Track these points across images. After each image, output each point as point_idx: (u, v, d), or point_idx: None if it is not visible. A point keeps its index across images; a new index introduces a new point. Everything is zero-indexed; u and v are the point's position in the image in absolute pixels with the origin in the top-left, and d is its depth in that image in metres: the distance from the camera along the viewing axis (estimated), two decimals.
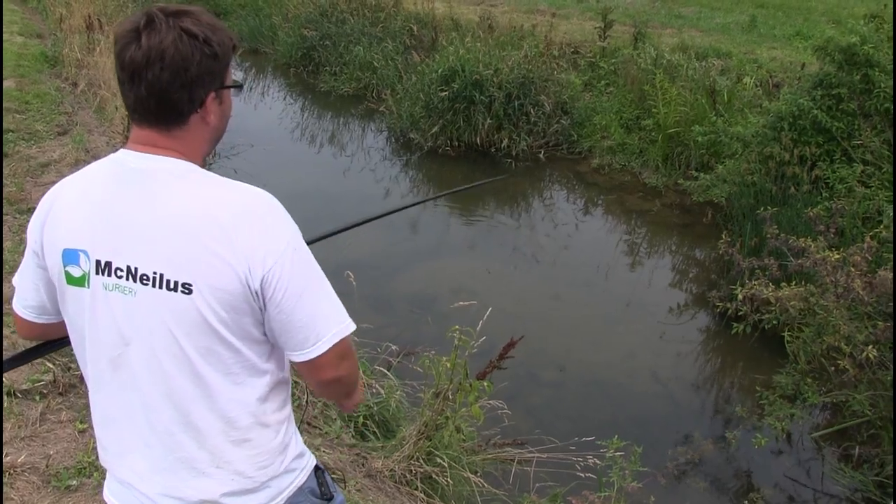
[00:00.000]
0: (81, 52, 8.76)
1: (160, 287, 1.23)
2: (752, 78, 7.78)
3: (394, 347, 3.97)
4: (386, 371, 3.77)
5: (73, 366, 3.15)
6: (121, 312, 1.26)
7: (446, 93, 8.07)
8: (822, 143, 5.53)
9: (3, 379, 2.91)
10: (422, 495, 3.04)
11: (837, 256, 3.81)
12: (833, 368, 3.86)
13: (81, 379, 1.47)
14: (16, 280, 1.41)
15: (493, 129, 8.19)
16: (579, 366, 4.84)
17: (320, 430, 3.28)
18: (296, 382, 2.66)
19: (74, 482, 2.60)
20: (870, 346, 3.52)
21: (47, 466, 2.65)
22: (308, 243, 1.31)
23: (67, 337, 1.39)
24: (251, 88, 11.00)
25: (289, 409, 1.43)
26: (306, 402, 3.26)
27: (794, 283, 4.00)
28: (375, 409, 3.51)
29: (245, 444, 1.33)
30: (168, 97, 1.21)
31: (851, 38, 5.42)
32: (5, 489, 2.51)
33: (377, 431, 3.44)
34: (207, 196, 1.24)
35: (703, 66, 8.08)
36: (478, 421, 3.09)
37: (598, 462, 3.27)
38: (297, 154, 8.61)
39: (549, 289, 5.79)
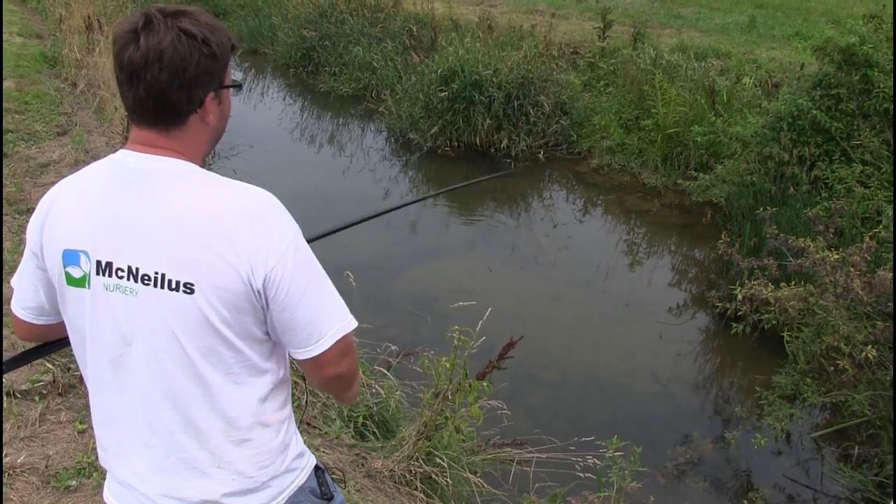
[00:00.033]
0: (81, 52, 8.76)
1: (162, 287, 1.23)
2: (751, 78, 7.79)
3: (393, 348, 3.97)
4: (385, 371, 3.78)
5: (72, 366, 3.15)
6: (122, 313, 1.26)
7: (446, 93, 8.07)
8: (821, 143, 5.53)
9: (3, 379, 2.91)
10: (421, 495, 3.04)
11: (837, 256, 3.82)
12: (832, 368, 3.86)
13: (81, 379, 1.48)
14: (14, 281, 1.41)
15: (493, 130, 8.19)
16: (579, 366, 4.84)
17: (320, 430, 3.28)
18: (295, 383, 2.66)
19: (74, 483, 2.60)
20: (869, 346, 3.53)
21: (47, 467, 2.65)
22: (308, 242, 1.32)
23: (67, 338, 1.39)
24: (251, 89, 11.00)
25: (289, 408, 1.43)
26: (306, 402, 3.26)
27: (793, 283, 4.00)
28: (375, 409, 3.51)
29: (246, 444, 1.34)
30: (167, 98, 1.21)
31: (850, 39, 5.43)
32: (4, 490, 2.51)
33: (377, 432, 3.44)
34: (208, 196, 1.24)
35: (703, 67, 8.08)
36: (477, 421, 3.09)
37: (597, 462, 3.27)
38: (297, 154, 8.61)
39: (548, 289, 5.79)
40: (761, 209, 4.80)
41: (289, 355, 1.41)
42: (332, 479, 1.57)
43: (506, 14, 10.91)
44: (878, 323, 3.70)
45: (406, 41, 10.05)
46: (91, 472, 2.65)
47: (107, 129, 7.04)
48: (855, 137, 5.39)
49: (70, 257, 1.27)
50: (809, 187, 5.44)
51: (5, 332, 3.10)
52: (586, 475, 3.25)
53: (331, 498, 1.49)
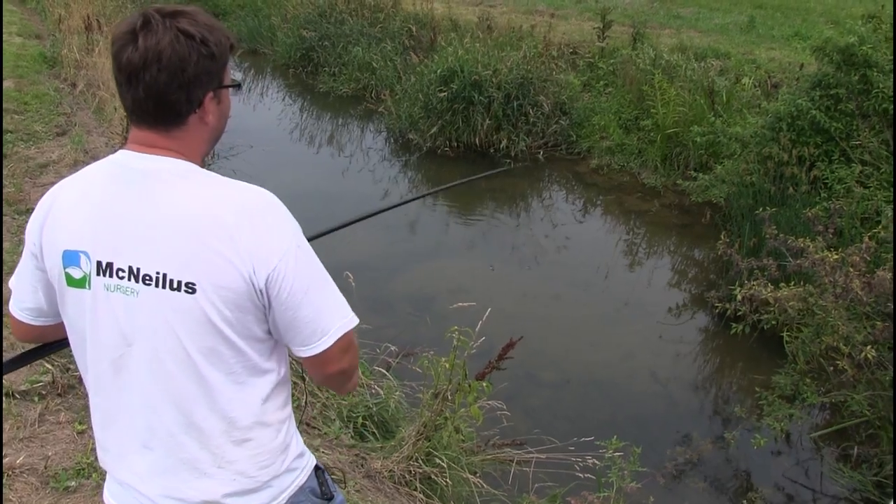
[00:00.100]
0: (80, 52, 8.76)
1: (163, 287, 1.23)
2: (750, 78, 7.79)
3: (393, 348, 3.97)
4: (385, 372, 3.78)
5: (71, 367, 3.15)
6: (122, 313, 1.26)
7: (445, 93, 8.07)
8: (820, 143, 5.53)
9: (3, 380, 2.91)
10: (421, 496, 3.04)
11: (836, 257, 3.82)
12: (832, 368, 3.86)
13: (80, 380, 1.48)
14: (12, 282, 1.41)
15: (492, 130, 8.19)
16: (578, 366, 4.84)
17: (319, 430, 3.28)
18: (295, 383, 2.66)
19: (73, 483, 2.60)
20: (868, 347, 3.53)
21: (46, 467, 2.65)
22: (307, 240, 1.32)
23: (66, 339, 1.39)
24: (250, 89, 11.00)
25: (289, 408, 1.43)
26: (305, 402, 3.26)
27: (792, 283, 4.00)
28: (374, 409, 3.50)
29: (246, 444, 1.34)
30: (166, 98, 1.21)
31: (849, 39, 5.43)
32: (4, 491, 2.51)
33: (376, 432, 3.44)
34: (209, 195, 1.24)
35: (702, 67, 8.09)
36: (477, 421, 3.09)
37: (597, 462, 3.27)
38: (296, 155, 8.61)
39: (548, 289, 5.79)
40: (761, 209, 4.80)
41: (288, 354, 1.41)
42: (332, 479, 1.57)
43: (505, 14, 10.91)
44: (878, 323, 3.70)
45: (405, 41, 10.05)
46: (90, 473, 2.65)
47: (106, 130, 7.04)
48: (854, 138, 5.39)
49: (70, 258, 1.26)
50: (809, 187, 5.44)
51: (5, 332, 3.10)
52: (586, 475, 3.25)
53: (331, 498, 1.49)
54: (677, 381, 4.74)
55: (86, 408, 2.90)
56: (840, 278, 3.73)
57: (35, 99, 7.36)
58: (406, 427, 3.32)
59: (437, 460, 3.07)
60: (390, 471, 3.08)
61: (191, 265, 1.21)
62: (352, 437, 3.34)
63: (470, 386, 2.95)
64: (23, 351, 1.57)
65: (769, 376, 4.34)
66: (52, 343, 1.50)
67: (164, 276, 1.22)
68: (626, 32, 9.36)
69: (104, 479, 1.46)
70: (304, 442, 1.50)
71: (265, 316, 1.28)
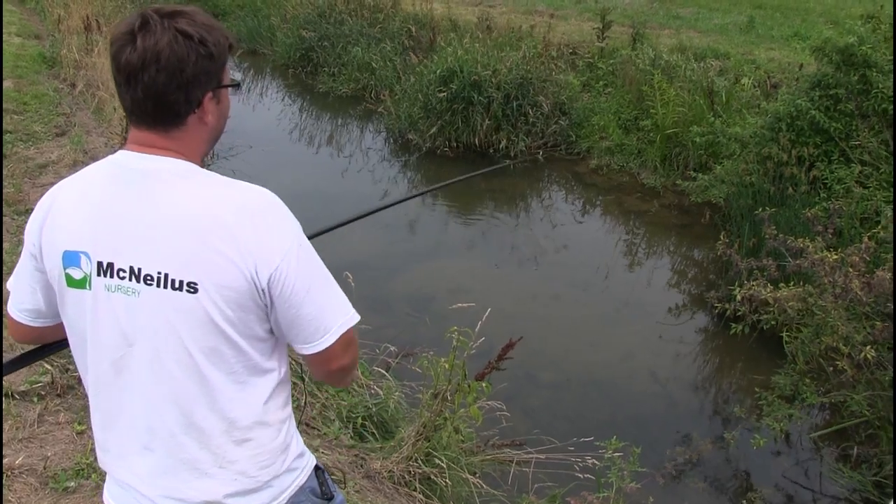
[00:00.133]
0: (79, 52, 8.76)
1: (165, 287, 1.23)
2: (750, 78, 7.79)
3: (392, 348, 3.97)
4: (384, 372, 3.78)
5: (70, 367, 3.15)
6: (123, 313, 1.26)
7: (445, 94, 8.07)
8: (819, 143, 5.53)
9: (2, 381, 2.91)
10: (420, 496, 3.04)
11: (835, 257, 3.82)
12: (831, 369, 3.86)
13: (79, 380, 1.48)
14: (10, 283, 1.40)
15: (492, 130, 8.19)
16: (578, 366, 4.84)
17: (319, 431, 3.28)
18: (294, 384, 2.66)
19: (72, 484, 2.60)
20: (868, 347, 3.53)
21: (45, 468, 2.65)
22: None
23: (65, 339, 1.39)
24: (249, 89, 11.00)
25: (289, 408, 1.43)
26: (304, 403, 3.26)
27: (792, 283, 4.00)
28: (374, 409, 3.50)
29: (247, 444, 1.34)
30: (165, 99, 1.21)
31: (849, 39, 5.43)
32: (3, 491, 2.51)
33: (376, 432, 3.44)
34: (210, 195, 1.24)
35: (702, 67, 8.09)
36: (476, 422, 3.09)
37: (596, 463, 3.27)
38: (296, 155, 8.61)
39: (547, 289, 5.79)
40: (760, 209, 4.80)
41: (288, 354, 1.41)
42: (332, 479, 1.57)
43: (504, 14, 10.91)
44: (877, 323, 3.70)
45: (405, 42, 10.05)
46: (90, 474, 2.65)
47: (105, 130, 7.04)
48: (854, 138, 5.39)
49: (70, 259, 1.26)
50: (808, 188, 5.44)
51: (4, 333, 3.10)
52: (585, 476, 3.25)
53: (331, 498, 1.50)
54: (677, 382, 4.74)
55: (85, 408, 2.90)
56: (839, 278, 3.74)
57: (34, 99, 7.36)
58: (405, 427, 3.32)
59: (437, 461, 3.07)
60: (390, 471, 3.08)
61: (192, 265, 1.21)
62: (351, 437, 3.34)
63: (469, 386, 2.95)
64: (22, 352, 1.56)
65: (769, 376, 4.34)
66: (51, 344, 1.50)
67: (166, 275, 1.22)
68: (626, 33, 9.36)
69: (103, 480, 1.45)
70: (304, 442, 1.50)
71: (266, 315, 1.29)
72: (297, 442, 1.46)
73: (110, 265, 1.24)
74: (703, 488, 3.88)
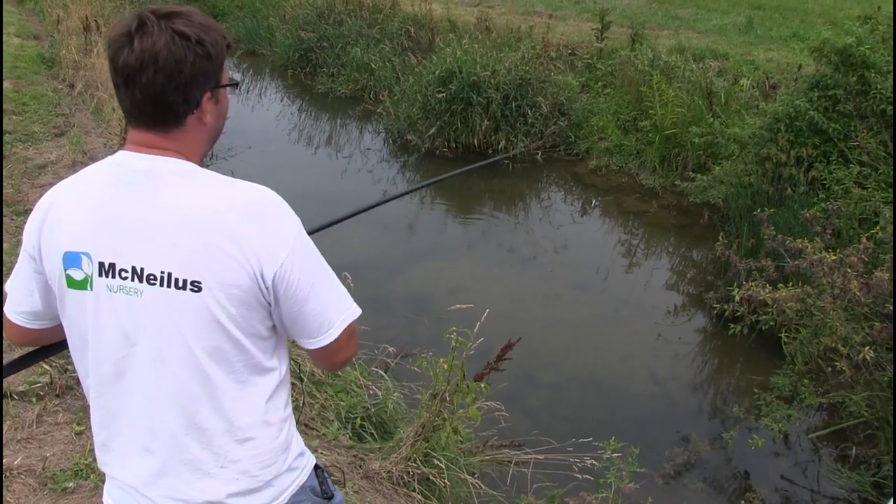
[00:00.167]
0: (78, 53, 8.76)
1: (168, 286, 1.23)
2: (748, 79, 7.80)
3: (391, 349, 3.97)
4: (383, 373, 3.78)
5: (69, 368, 3.14)
6: (126, 314, 1.26)
7: (443, 94, 8.07)
8: (818, 144, 5.54)
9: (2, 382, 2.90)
10: (419, 497, 3.04)
11: (834, 257, 3.82)
12: (830, 369, 3.86)
13: (79, 381, 1.48)
14: (8, 285, 1.39)
15: (491, 131, 8.20)
16: (577, 367, 4.84)
17: (317, 431, 3.28)
18: (293, 384, 2.66)
19: (71, 484, 2.60)
20: (866, 348, 3.53)
21: (44, 469, 2.65)
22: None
23: (65, 341, 1.38)
24: (248, 90, 11.00)
25: (290, 408, 1.44)
26: (303, 403, 3.26)
27: (790, 284, 4.00)
28: (373, 410, 3.50)
29: (249, 443, 1.34)
30: (163, 100, 1.21)
31: (847, 40, 5.44)
32: (2, 492, 2.50)
33: (374, 433, 3.44)
34: (212, 194, 1.25)
35: (700, 68, 8.09)
36: (475, 422, 3.09)
37: (595, 463, 3.27)
38: (295, 155, 8.61)
39: (546, 290, 5.79)
40: (759, 210, 4.80)
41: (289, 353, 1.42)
42: (332, 479, 1.57)
43: (503, 15, 10.91)
44: (876, 324, 3.70)
45: (404, 42, 10.06)
46: (88, 474, 2.65)
47: (104, 131, 7.03)
48: (852, 138, 5.39)
49: (71, 260, 1.26)
50: (807, 188, 5.45)
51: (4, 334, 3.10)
52: (584, 476, 3.25)
53: (331, 497, 1.51)
54: (676, 382, 4.74)
55: (84, 409, 2.90)
56: (838, 279, 3.74)
57: (33, 100, 7.36)
58: (404, 428, 3.32)
59: (436, 461, 3.07)
60: (388, 472, 3.08)
61: (196, 264, 1.22)
62: (350, 437, 3.34)
63: (468, 387, 2.95)
64: (21, 354, 1.56)
65: (767, 377, 4.35)
66: (51, 346, 1.50)
67: (169, 275, 1.22)
68: (625, 33, 9.37)
69: (102, 481, 1.45)
70: (303, 443, 1.51)
71: (269, 313, 1.30)
72: (298, 441, 1.46)
73: (112, 265, 1.24)
74: (702, 489, 3.88)
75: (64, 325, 1.35)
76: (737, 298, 4.03)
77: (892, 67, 5.32)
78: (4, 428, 2.82)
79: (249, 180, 1.30)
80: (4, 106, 6.79)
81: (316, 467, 1.50)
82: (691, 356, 4.99)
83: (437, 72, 8.27)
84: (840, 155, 5.44)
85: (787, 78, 7.59)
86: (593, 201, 7.40)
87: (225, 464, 1.33)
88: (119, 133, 6.73)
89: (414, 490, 3.05)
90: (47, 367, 3.12)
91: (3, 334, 1.45)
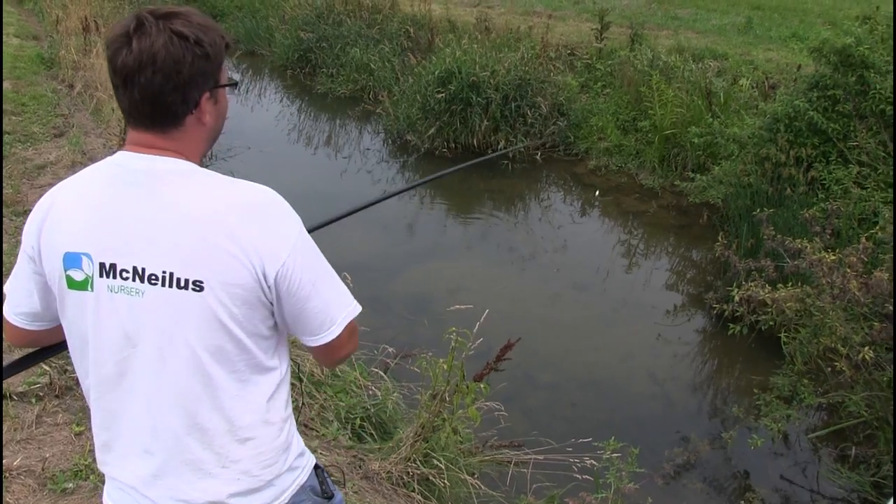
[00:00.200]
0: (78, 53, 8.76)
1: (170, 286, 1.23)
2: (748, 79, 7.81)
3: (391, 349, 3.97)
4: (383, 374, 3.78)
5: (69, 368, 3.14)
6: (127, 314, 1.26)
7: (443, 94, 8.08)
8: (817, 144, 5.54)
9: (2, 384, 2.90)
10: (419, 497, 3.03)
11: (833, 258, 3.82)
12: (829, 369, 3.86)
13: (78, 382, 1.48)
14: (7, 286, 1.39)
15: (490, 131, 8.20)
16: (576, 367, 4.84)
17: (317, 432, 3.28)
18: (293, 385, 2.66)
19: (71, 485, 2.60)
20: (866, 348, 3.53)
21: (43, 469, 2.65)
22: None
23: (64, 342, 1.38)
24: (248, 90, 11.00)
25: (290, 407, 1.44)
26: (302, 403, 3.26)
27: (790, 284, 4.00)
28: (372, 410, 3.50)
29: (250, 443, 1.34)
30: (162, 100, 1.21)
31: (847, 40, 5.44)
32: (2, 492, 2.50)
33: (374, 433, 3.44)
34: (212, 194, 1.25)
35: (700, 68, 8.10)
36: (475, 423, 3.09)
37: (594, 463, 3.27)
38: (294, 156, 8.60)
39: (546, 290, 5.79)
40: (758, 210, 4.81)
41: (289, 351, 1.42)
42: (332, 480, 1.58)
43: (503, 15, 10.92)
44: (875, 324, 3.70)
45: (403, 43, 10.06)
46: (88, 475, 2.65)
47: (104, 131, 7.03)
48: (851, 139, 5.40)
49: (71, 260, 1.26)
50: (806, 188, 5.45)
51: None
52: (584, 476, 3.25)
53: (331, 496, 1.51)
54: (675, 382, 4.74)
55: (83, 409, 2.90)
56: (837, 279, 3.74)
57: (33, 100, 7.36)
58: (404, 428, 3.32)
59: (435, 461, 3.07)
60: (388, 472, 3.08)
61: (198, 263, 1.22)
62: (350, 438, 3.33)
63: (468, 387, 2.95)
64: (21, 355, 1.56)
65: (767, 377, 4.35)
66: (51, 347, 1.50)
67: (171, 274, 1.22)
68: (624, 34, 9.37)
69: (102, 481, 1.45)
70: (303, 443, 1.51)
71: (271, 312, 1.30)
72: (298, 441, 1.47)
73: (113, 266, 1.24)
74: (702, 489, 3.88)
75: (63, 326, 1.34)
76: (736, 298, 4.03)
77: (891, 68, 5.33)
78: (4, 429, 2.81)
79: (249, 180, 1.30)
80: (4, 106, 6.79)
81: (316, 467, 1.50)
82: (691, 356, 4.99)
83: (436, 72, 8.27)
84: (839, 155, 5.44)
85: (787, 78, 7.60)
86: (595, 193, 7.39)
87: (226, 464, 1.33)
88: (118, 134, 6.72)
89: (413, 490, 3.05)
90: (47, 368, 3.12)
91: (3, 335, 1.44)
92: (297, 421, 1.49)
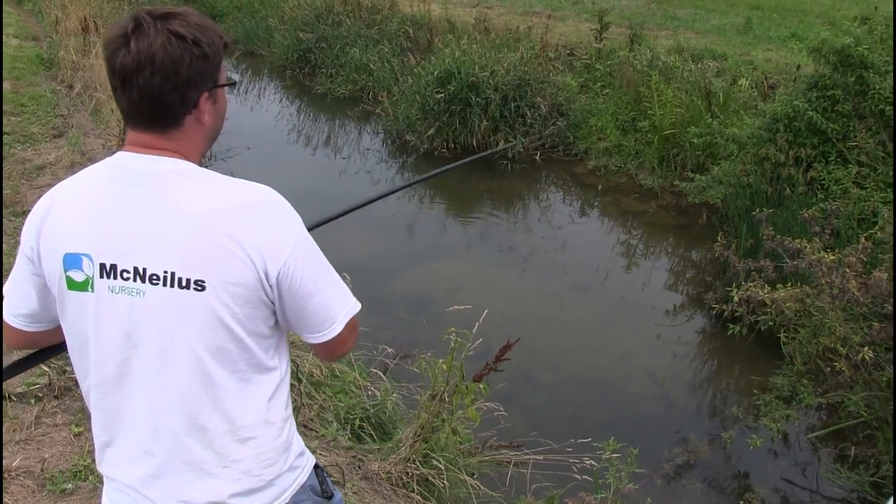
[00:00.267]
0: (77, 54, 8.76)
1: (171, 286, 1.23)
2: (747, 79, 7.81)
3: (390, 350, 3.96)
4: (382, 374, 3.77)
5: (68, 369, 3.14)
6: (128, 315, 1.25)
7: (442, 95, 8.08)
8: (817, 144, 5.54)
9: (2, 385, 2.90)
10: (418, 497, 3.03)
11: (833, 258, 3.82)
12: (829, 369, 3.86)
13: (77, 382, 1.48)
14: (5, 288, 1.39)
15: (490, 131, 8.20)
16: (576, 367, 4.84)
17: (316, 432, 3.28)
18: (292, 385, 2.66)
19: (70, 486, 2.60)
20: (865, 348, 3.53)
21: (42, 470, 2.64)
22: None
23: (63, 343, 1.38)
24: (247, 91, 11.00)
25: (290, 407, 1.44)
26: (301, 404, 3.26)
27: (789, 284, 4.00)
28: (372, 411, 3.50)
29: (251, 442, 1.34)
30: (160, 101, 1.21)
31: (846, 40, 5.44)
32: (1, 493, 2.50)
33: (373, 434, 3.44)
34: (213, 194, 1.25)
35: (699, 68, 8.10)
36: (474, 423, 3.09)
37: (594, 464, 3.27)
38: (293, 156, 8.60)
39: (545, 290, 5.79)
40: (758, 210, 4.80)
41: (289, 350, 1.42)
42: (332, 480, 1.58)
43: (502, 16, 10.92)
44: (875, 324, 3.70)
45: (403, 43, 10.06)
46: (87, 476, 2.64)
47: (103, 132, 7.03)
48: (851, 139, 5.40)
49: (71, 261, 1.26)
50: (806, 188, 5.45)
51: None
52: (583, 477, 3.25)
53: (331, 496, 1.51)
54: (675, 382, 4.74)
55: (82, 410, 2.89)
56: (837, 279, 3.74)
57: (32, 101, 7.36)
58: (403, 429, 3.32)
59: (435, 462, 3.07)
60: (388, 472, 3.08)
61: (199, 263, 1.22)
62: (349, 438, 3.33)
63: (467, 388, 2.94)
64: (21, 357, 1.56)
65: (766, 377, 4.35)
66: (51, 348, 1.49)
67: (172, 274, 1.22)
68: (623, 34, 9.37)
69: (101, 482, 1.45)
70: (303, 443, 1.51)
71: (272, 312, 1.31)
72: (298, 441, 1.47)
73: (114, 266, 1.24)
74: (701, 489, 3.88)
75: (63, 327, 1.34)
76: (736, 299, 4.03)
77: (890, 68, 5.33)
78: (3, 429, 2.81)
79: (249, 180, 1.31)
80: (3, 107, 6.79)
81: (315, 467, 1.51)
82: (690, 356, 4.99)
83: (435, 72, 8.27)
84: (839, 155, 5.45)
85: (786, 78, 7.60)
86: (596, 190, 7.39)
87: (227, 464, 1.33)
88: (118, 134, 6.72)
89: (413, 491, 3.04)
90: (46, 369, 3.12)
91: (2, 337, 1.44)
92: (296, 421, 1.49)
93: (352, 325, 1.39)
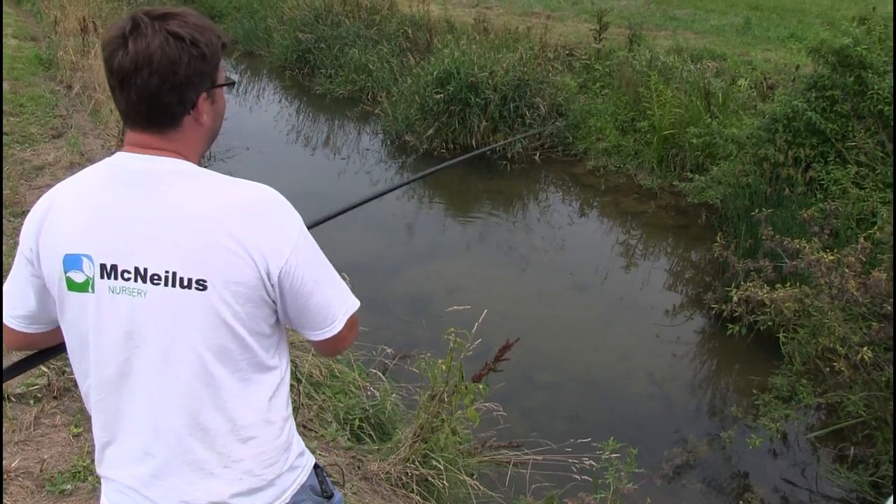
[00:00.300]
0: (76, 54, 8.75)
1: (173, 285, 1.23)
2: (746, 80, 7.81)
3: (389, 350, 3.97)
4: (381, 375, 3.77)
5: (67, 370, 3.14)
6: (129, 315, 1.25)
7: (441, 95, 8.08)
8: (816, 144, 5.54)
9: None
10: (418, 498, 3.03)
11: (832, 258, 3.82)
12: (828, 369, 3.86)
13: (76, 383, 1.47)
14: (4, 289, 1.38)
15: (489, 132, 8.19)
16: (575, 367, 4.84)
17: (316, 432, 3.27)
18: (291, 385, 2.65)
19: (69, 486, 2.59)
20: (864, 348, 3.53)
21: (41, 471, 2.64)
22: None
23: (62, 344, 1.38)
24: (246, 91, 10.99)
25: (290, 407, 1.44)
26: (301, 404, 3.26)
27: (788, 284, 4.00)
28: (371, 411, 3.50)
29: (252, 442, 1.34)
30: (159, 101, 1.21)
31: (844, 41, 5.44)
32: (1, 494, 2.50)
33: (373, 434, 3.44)
34: (213, 193, 1.25)
35: (698, 68, 8.10)
36: (473, 423, 3.09)
37: (593, 464, 3.27)
38: (293, 156, 8.60)
39: (544, 290, 5.79)
40: (757, 210, 4.81)
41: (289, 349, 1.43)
42: (331, 480, 1.58)
43: (501, 16, 10.93)
44: (874, 324, 3.71)
45: (402, 43, 10.06)
46: (86, 476, 2.64)
47: (102, 132, 7.03)
48: (850, 139, 5.40)
49: (71, 262, 1.25)
50: (805, 189, 5.45)
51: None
52: (583, 477, 3.25)
53: (331, 496, 1.51)
54: (674, 382, 4.74)
55: (81, 411, 2.89)
56: (836, 279, 3.74)
57: (31, 101, 7.35)
58: (403, 429, 3.32)
59: (434, 462, 3.07)
60: (387, 473, 3.08)
61: (200, 262, 1.22)
62: (348, 439, 3.33)
63: (467, 388, 2.94)
64: (21, 357, 1.55)
65: (766, 377, 4.35)
66: (51, 348, 1.49)
67: (174, 274, 1.22)
68: (623, 34, 9.37)
69: (100, 483, 1.44)
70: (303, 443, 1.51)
71: (273, 310, 1.31)
72: (298, 440, 1.47)
73: (114, 267, 1.24)
74: (700, 489, 3.88)
75: (63, 327, 1.34)
76: (735, 299, 4.03)
77: (888, 68, 5.33)
78: (3, 430, 2.81)
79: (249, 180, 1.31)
80: (2, 107, 6.78)
81: (315, 466, 1.51)
82: (689, 356, 5.00)
83: (434, 73, 8.27)
84: (838, 155, 5.45)
85: (785, 78, 7.60)
86: (595, 190, 7.40)
87: (228, 463, 1.33)
88: (117, 135, 6.72)
89: (412, 491, 3.04)
90: (45, 370, 3.12)
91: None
92: (295, 421, 1.49)
93: (352, 323, 1.40)
